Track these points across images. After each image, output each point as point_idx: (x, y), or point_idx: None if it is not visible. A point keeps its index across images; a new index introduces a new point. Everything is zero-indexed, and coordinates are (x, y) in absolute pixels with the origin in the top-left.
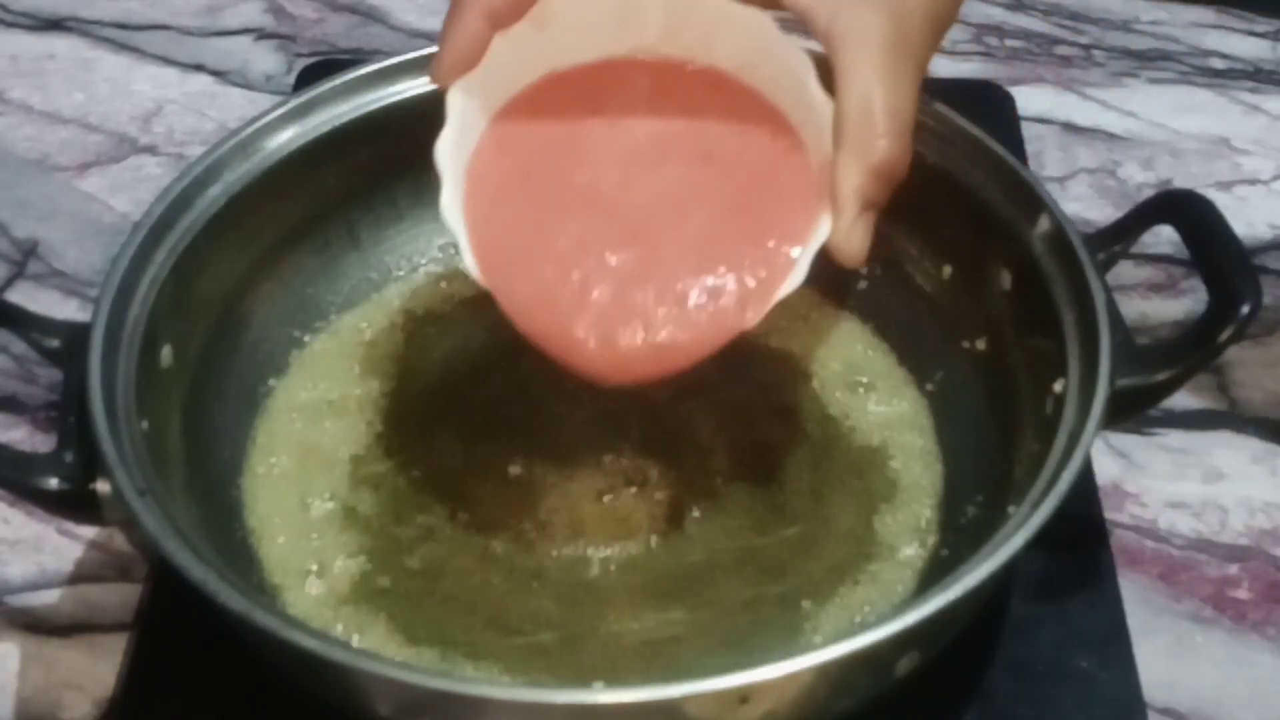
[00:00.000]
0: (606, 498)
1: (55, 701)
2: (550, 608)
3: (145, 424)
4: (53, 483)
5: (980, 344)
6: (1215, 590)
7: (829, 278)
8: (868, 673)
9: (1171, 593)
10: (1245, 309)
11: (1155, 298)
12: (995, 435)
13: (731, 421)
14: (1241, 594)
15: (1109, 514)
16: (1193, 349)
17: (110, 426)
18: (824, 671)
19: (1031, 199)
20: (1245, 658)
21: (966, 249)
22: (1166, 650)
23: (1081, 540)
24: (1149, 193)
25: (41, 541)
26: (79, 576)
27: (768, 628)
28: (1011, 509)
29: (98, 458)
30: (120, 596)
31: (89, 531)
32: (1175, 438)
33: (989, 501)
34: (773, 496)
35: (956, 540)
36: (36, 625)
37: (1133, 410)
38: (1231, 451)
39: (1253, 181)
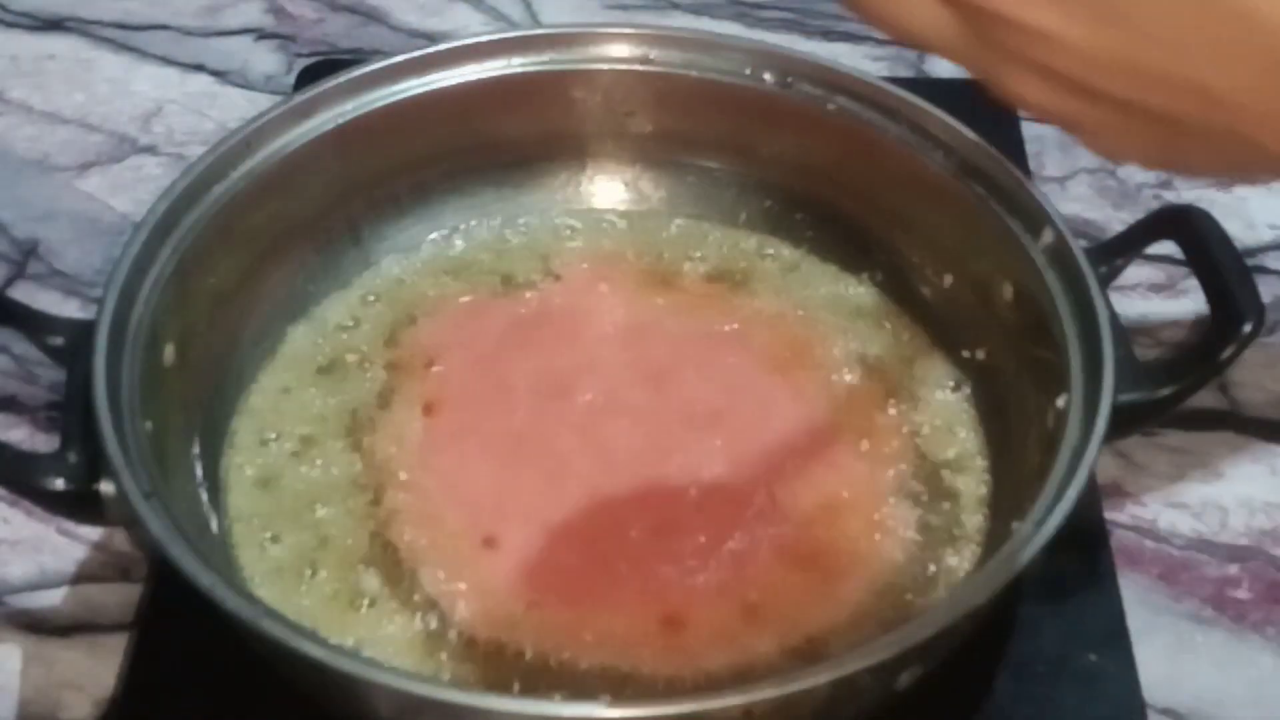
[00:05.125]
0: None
1: (55, 702)
2: None
3: (149, 424)
4: (57, 483)
5: (980, 354)
6: (1215, 590)
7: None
8: (869, 687)
9: (1171, 593)
10: (1248, 327)
11: (1155, 298)
12: (994, 445)
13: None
14: (1241, 594)
15: (1109, 514)
16: (1195, 365)
17: (115, 427)
18: (825, 689)
19: (1035, 211)
20: (1245, 658)
21: (968, 258)
22: (1166, 650)
23: (1082, 541)
24: (1149, 193)
25: (42, 542)
26: (79, 577)
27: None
28: (1015, 524)
29: (102, 458)
30: (120, 597)
31: (89, 532)
32: (1175, 438)
33: (990, 511)
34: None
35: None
36: (37, 625)
37: (1134, 425)
38: (1232, 451)
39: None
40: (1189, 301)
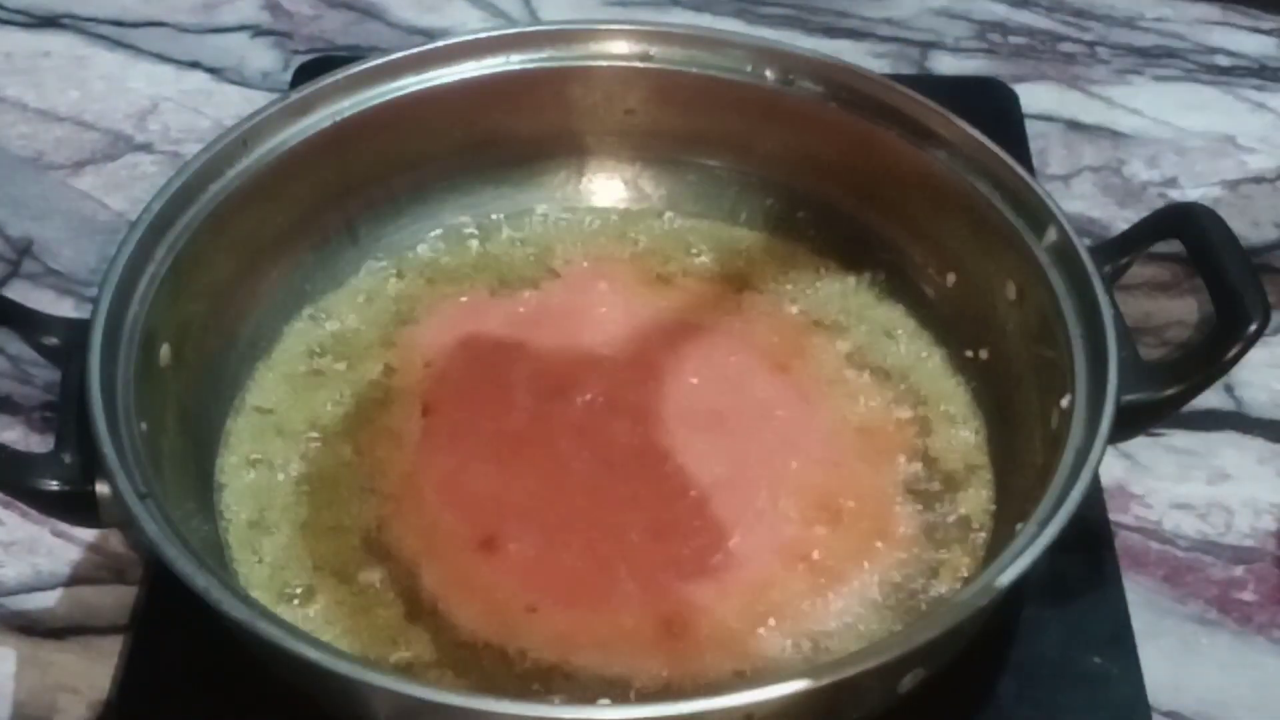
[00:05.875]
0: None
1: (50, 704)
2: None
3: (144, 425)
4: (51, 484)
5: (983, 353)
6: (1220, 592)
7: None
8: (873, 690)
9: (1176, 595)
10: (1253, 326)
11: (1160, 297)
12: (997, 445)
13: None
14: (1247, 596)
15: (1113, 515)
16: (1200, 365)
17: (110, 428)
18: (828, 691)
19: (1039, 209)
20: (1250, 660)
21: (971, 257)
22: (1171, 653)
23: (1086, 542)
24: (1154, 191)
25: (36, 543)
26: (74, 578)
27: None
28: (1019, 525)
29: (97, 459)
30: (115, 599)
31: (84, 533)
32: (1180, 438)
33: (994, 512)
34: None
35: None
36: (31, 628)
37: (1139, 425)
38: (1237, 452)
39: (1258, 180)
40: (1194, 301)
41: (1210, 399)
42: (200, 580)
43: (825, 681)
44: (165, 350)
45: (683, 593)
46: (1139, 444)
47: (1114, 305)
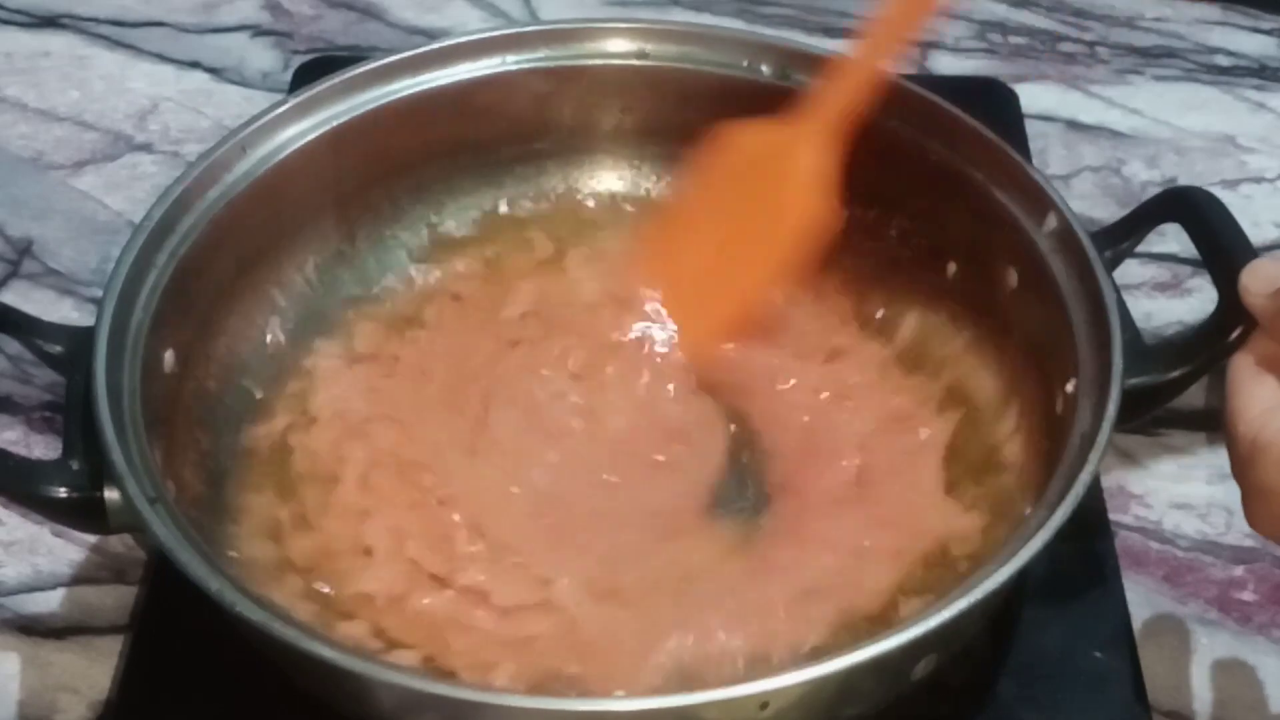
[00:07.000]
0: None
1: (50, 704)
2: None
3: (150, 429)
4: (60, 491)
5: (986, 340)
6: (1220, 592)
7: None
8: (887, 676)
9: (1176, 595)
10: None
11: (1161, 297)
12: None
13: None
14: (1247, 596)
15: (1113, 515)
16: (1204, 346)
17: (118, 435)
18: (845, 677)
19: (1039, 196)
20: (1250, 660)
21: (972, 246)
22: (1171, 653)
23: (1086, 542)
24: (1154, 191)
25: (36, 543)
26: (74, 579)
27: None
28: (1028, 511)
29: (106, 465)
30: (116, 599)
31: (85, 534)
32: (1180, 438)
33: (1000, 499)
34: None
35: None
36: (31, 628)
37: (1143, 409)
38: None
39: (1258, 180)
40: (1195, 301)
41: (1210, 398)
42: (214, 583)
43: (842, 666)
44: (169, 356)
45: None
46: (1139, 444)
47: (1116, 289)
